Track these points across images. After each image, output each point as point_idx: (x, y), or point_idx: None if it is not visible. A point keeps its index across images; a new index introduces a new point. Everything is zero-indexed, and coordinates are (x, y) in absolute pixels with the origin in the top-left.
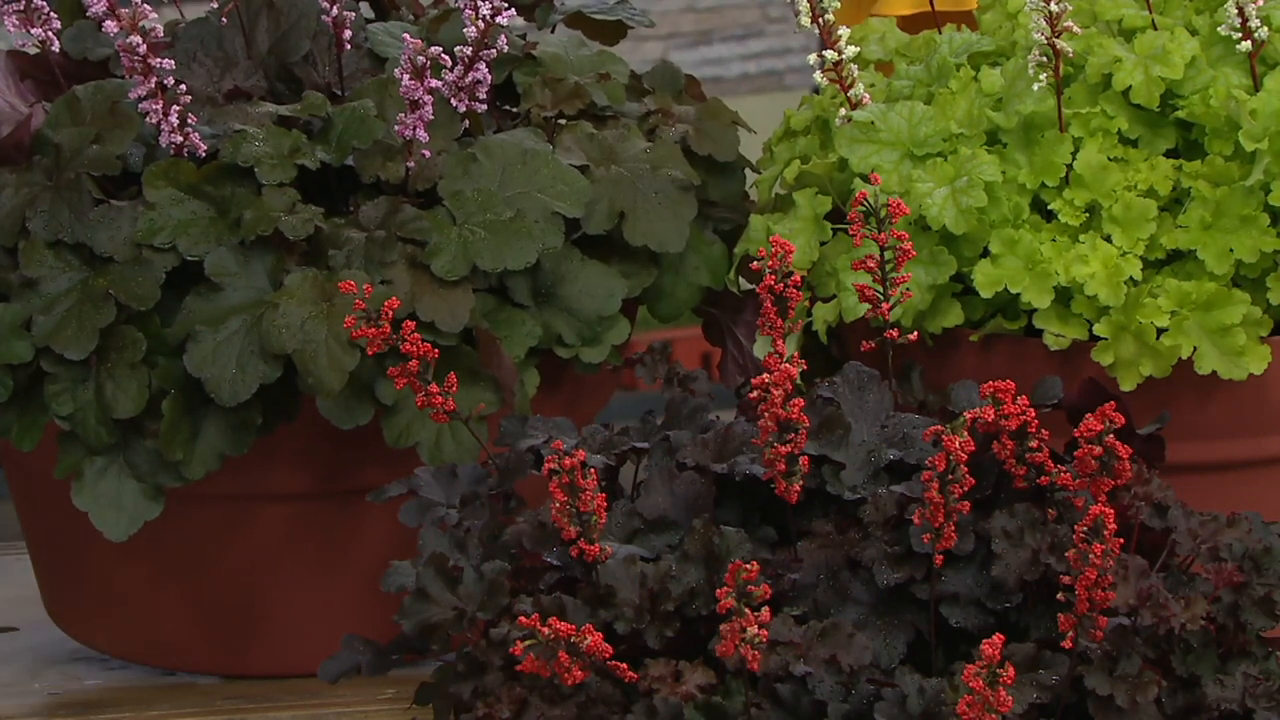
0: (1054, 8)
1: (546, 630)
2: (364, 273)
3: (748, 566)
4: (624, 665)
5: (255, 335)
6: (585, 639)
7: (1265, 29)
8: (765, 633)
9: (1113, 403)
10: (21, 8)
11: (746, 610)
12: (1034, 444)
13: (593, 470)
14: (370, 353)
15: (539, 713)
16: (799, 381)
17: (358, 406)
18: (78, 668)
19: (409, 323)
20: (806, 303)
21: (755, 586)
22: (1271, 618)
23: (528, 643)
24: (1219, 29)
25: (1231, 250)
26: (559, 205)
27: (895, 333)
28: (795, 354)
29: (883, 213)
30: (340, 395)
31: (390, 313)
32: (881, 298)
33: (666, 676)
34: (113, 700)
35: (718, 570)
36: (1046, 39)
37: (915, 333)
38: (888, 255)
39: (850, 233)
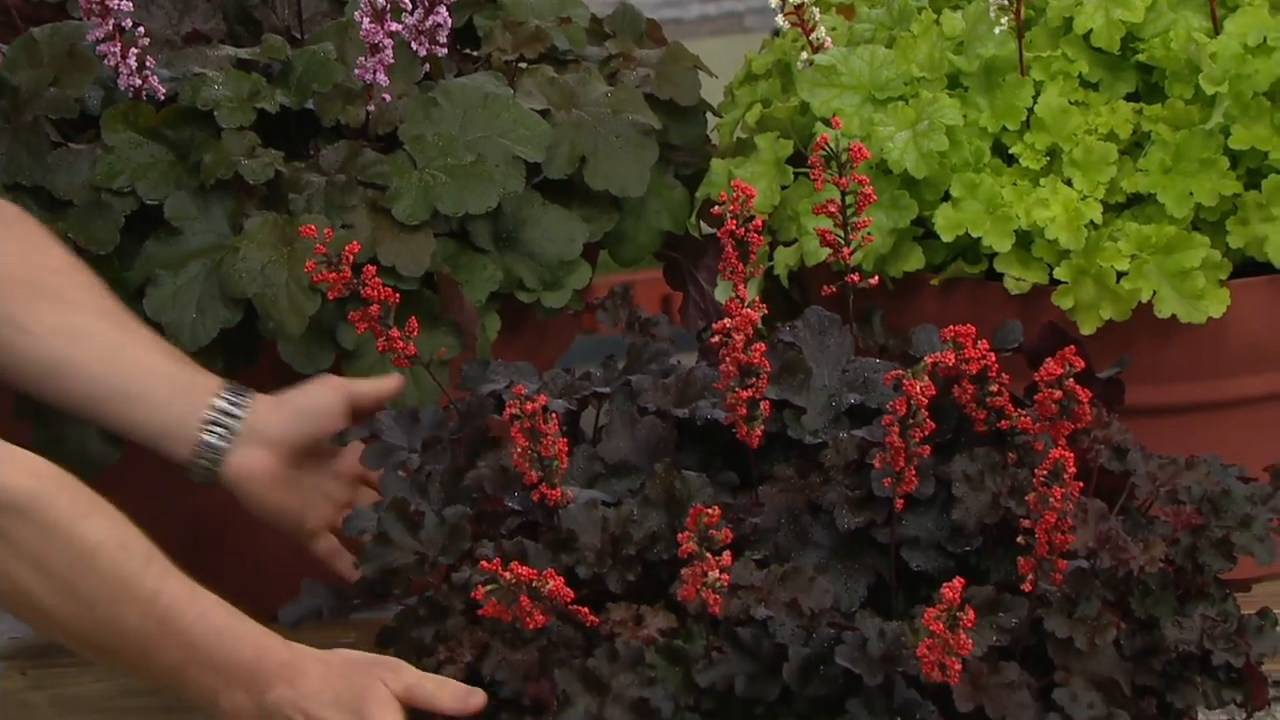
0: None
1: (508, 575)
2: (324, 217)
3: (709, 511)
4: (585, 610)
5: (216, 279)
6: (547, 583)
7: None
8: (726, 577)
9: (1073, 346)
10: None
11: (708, 555)
12: (994, 388)
13: (554, 415)
14: (331, 297)
15: (500, 657)
16: (760, 326)
17: (319, 351)
18: None
19: (370, 267)
20: (768, 247)
21: (717, 531)
22: (1229, 560)
23: (489, 587)
24: None
25: (1191, 194)
26: (520, 149)
27: (856, 277)
28: (756, 298)
29: (844, 157)
30: (301, 340)
31: (351, 257)
32: (843, 242)
33: (628, 620)
34: None
35: (679, 515)
36: None
37: (876, 277)
38: (849, 199)
39: (811, 177)
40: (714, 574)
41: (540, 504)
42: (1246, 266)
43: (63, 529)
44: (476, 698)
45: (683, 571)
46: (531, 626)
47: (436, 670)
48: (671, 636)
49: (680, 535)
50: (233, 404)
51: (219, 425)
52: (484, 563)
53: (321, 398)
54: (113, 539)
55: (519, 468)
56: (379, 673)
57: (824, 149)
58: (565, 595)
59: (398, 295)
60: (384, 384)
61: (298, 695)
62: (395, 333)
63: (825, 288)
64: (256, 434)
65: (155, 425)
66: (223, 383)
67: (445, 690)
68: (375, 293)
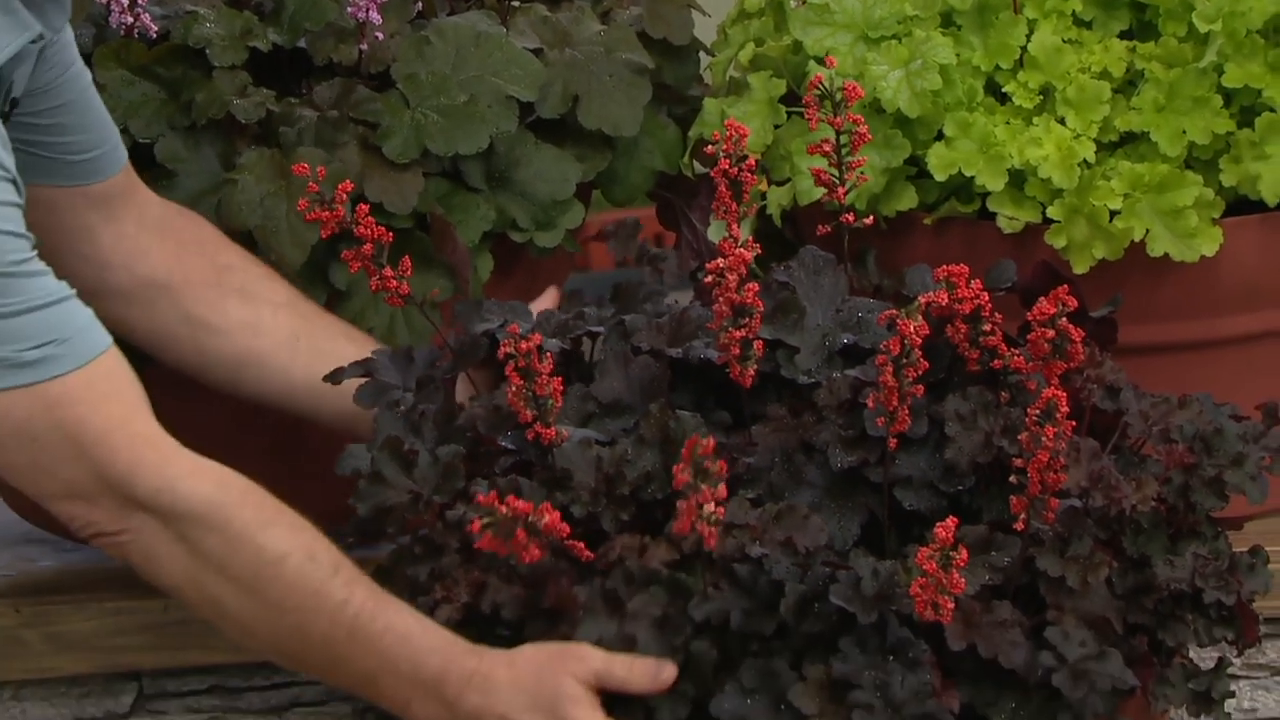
0: None
1: (504, 508)
2: (318, 150)
3: (703, 443)
4: (581, 544)
5: (215, 217)
6: (543, 517)
7: None
8: (722, 510)
9: (1065, 286)
10: None
11: (703, 487)
12: (987, 327)
13: (549, 354)
14: (324, 235)
15: (497, 593)
16: (754, 266)
17: (312, 289)
18: (31, 550)
19: (363, 205)
20: (761, 186)
21: (711, 464)
22: (1221, 498)
23: (485, 520)
24: None
25: (1184, 132)
26: (513, 89)
27: (850, 216)
28: (750, 238)
29: (838, 96)
30: (296, 277)
31: (345, 195)
32: (836, 181)
33: (634, 548)
34: (66, 582)
35: (673, 454)
36: None
37: (870, 216)
38: (843, 139)
39: (805, 116)
40: (709, 507)
41: (534, 443)
42: (1239, 205)
43: (248, 538)
44: (667, 671)
45: (678, 504)
46: (527, 560)
47: (432, 610)
48: (673, 568)
49: (675, 467)
50: None
51: None
52: (480, 497)
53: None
54: (299, 549)
55: (514, 407)
56: (568, 666)
57: (818, 88)
58: (561, 530)
59: (391, 234)
60: None
61: (491, 703)
62: (389, 272)
63: (819, 227)
64: None
65: (347, 413)
66: None
67: (636, 671)
68: (369, 232)
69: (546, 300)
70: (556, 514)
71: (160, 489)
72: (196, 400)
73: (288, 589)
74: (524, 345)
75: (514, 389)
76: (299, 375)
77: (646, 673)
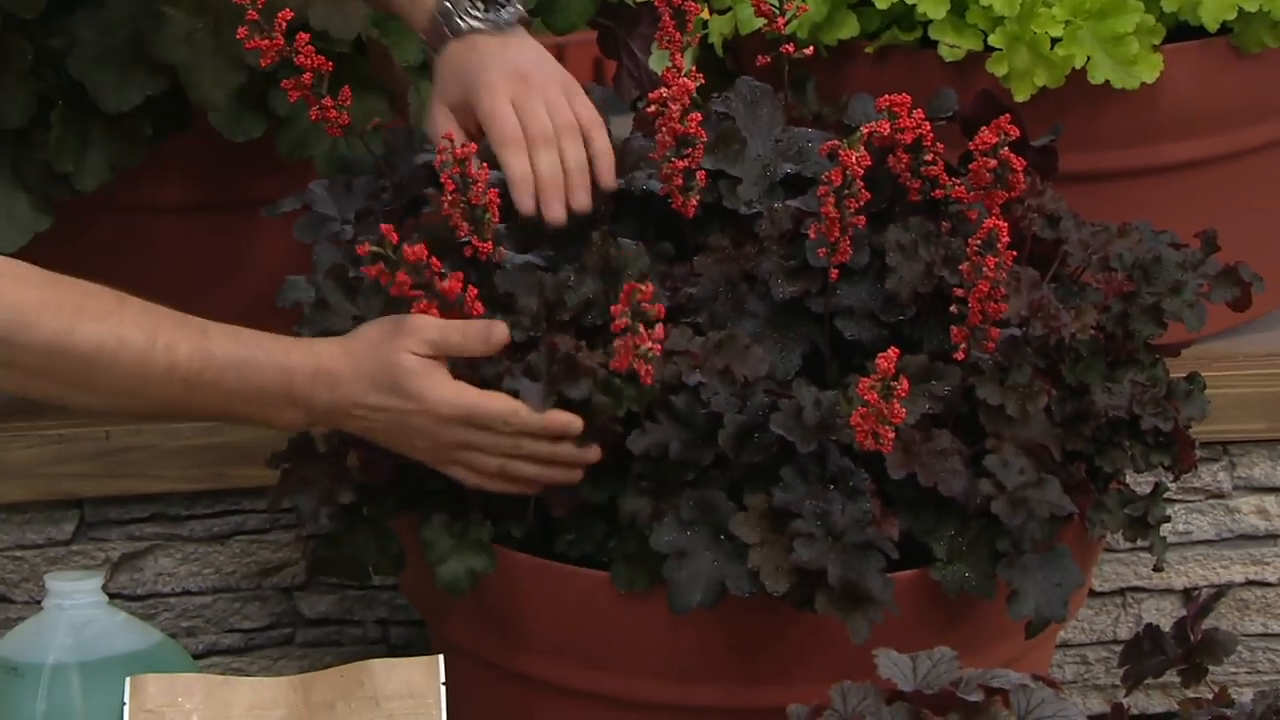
0: None
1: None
2: None
3: (642, 287)
4: (476, 297)
5: (141, 45)
6: (445, 279)
7: None
8: (659, 348)
9: (1007, 114)
10: None
11: (641, 327)
12: (929, 157)
13: (484, 165)
14: (263, 64)
15: None
16: (695, 96)
17: (250, 118)
18: None
19: (303, 34)
20: (704, 15)
21: (650, 306)
22: (1159, 325)
23: (375, 249)
24: None
25: None
26: None
27: (791, 46)
28: (693, 68)
29: None
30: (232, 107)
31: (284, 24)
32: (777, 10)
33: (570, 346)
34: (6, 410)
35: (615, 282)
36: None
37: (811, 46)
38: None
39: None
40: (647, 345)
41: (475, 266)
42: (1180, 31)
43: (57, 345)
44: (498, 332)
45: (616, 343)
46: (395, 292)
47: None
48: (610, 374)
49: (613, 309)
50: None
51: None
52: (382, 226)
53: None
54: (110, 337)
55: (449, 217)
56: (402, 343)
57: None
58: (454, 290)
59: (331, 64)
60: None
61: (340, 395)
62: (329, 101)
63: (760, 57)
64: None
65: None
66: None
67: (470, 335)
68: (308, 61)
69: None
70: (457, 283)
71: None
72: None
73: (114, 377)
74: (460, 152)
75: (449, 199)
76: None
77: (479, 335)
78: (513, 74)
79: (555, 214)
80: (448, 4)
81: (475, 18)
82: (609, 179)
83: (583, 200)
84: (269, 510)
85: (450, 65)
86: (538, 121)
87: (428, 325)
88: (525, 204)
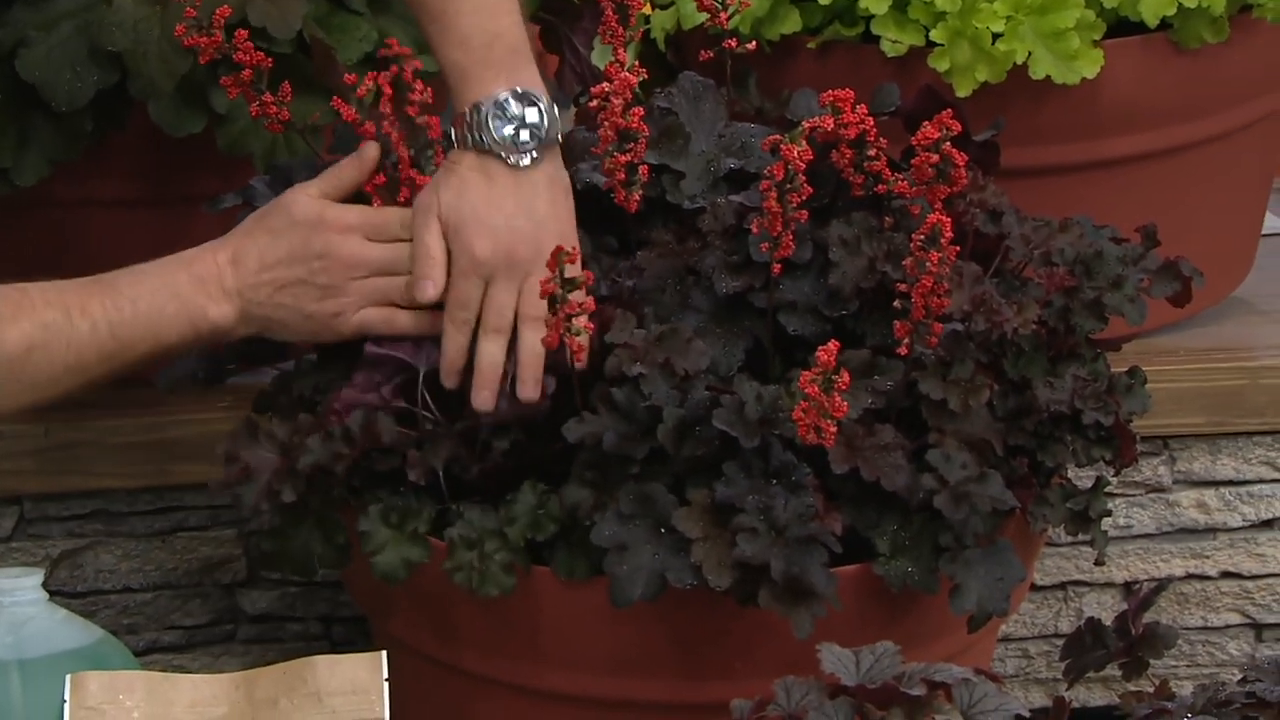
0: None
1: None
2: None
3: (567, 250)
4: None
5: (87, 38)
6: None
7: None
8: (592, 325)
9: (949, 110)
10: None
11: (569, 297)
12: (872, 152)
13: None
14: (203, 60)
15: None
16: (637, 91)
17: (190, 114)
18: None
19: (241, 31)
20: (646, 10)
21: (576, 271)
22: (1100, 320)
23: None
24: None
25: None
26: None
27: (733, 41)
28: (635, 63)
29: None
30: (172, 101)
31: (222, 21)
32: (719, 6)
33: None
34: None
35: None
36: None
37: (754, 42)
38: None
39: None
40: (578, 321)
41: None
42: (1120, 27)
43: None
44: (369, 149)
45: (545, 318)
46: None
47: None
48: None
49: (541, 279)
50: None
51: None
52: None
53: None
54: (34, 334)
55: (389, 139)
56: (287, 195)
57: None
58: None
59: (270, 60)
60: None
61: (247, 263)
62: (268, 97)
63: (702, 52)
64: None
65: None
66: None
67: (348, 166)
68: (247, 57)
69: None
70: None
71: None
72: None
73: (52, 364)
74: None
75: (386, 111)
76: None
77: (355, 163)
78: (503, 250)
79: (481, 401)
80: (485, 113)
81: (504, 145)
82: (579, 358)
83: (530, 392)
84: (211, 494)
85: (460, 185)
86: (497, 311)
87: (308, 184)
88: (446, 381)
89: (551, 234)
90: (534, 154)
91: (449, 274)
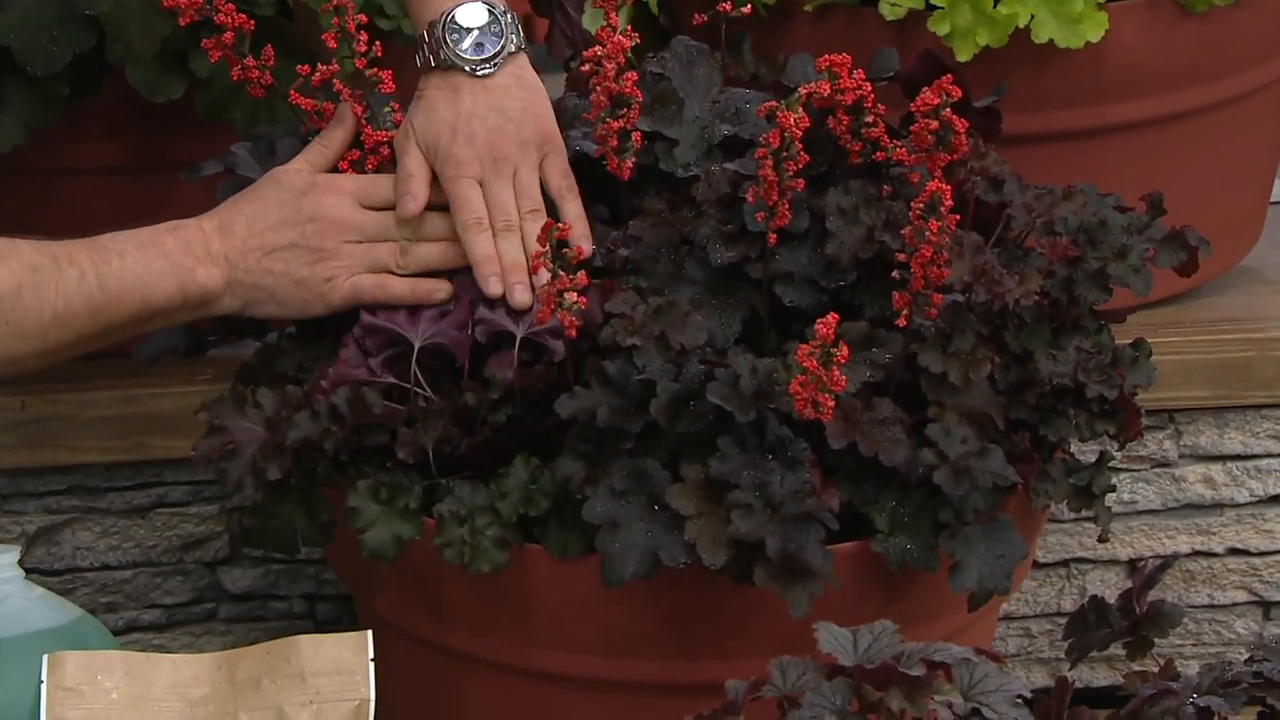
0: None
1: None
2: None
3: (559, 225)
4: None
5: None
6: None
7: None
8: (584, 300)
9: (949, 75)
10: None
11: (561, 273)
12: (870, 119)
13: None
14: (183, 23)
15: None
16: (630, 56)
17: (169, 78)
18: None
19: None
20: None
21: (569, 249)
22: (1105, 290)
23: None
24: None
25: None
26: None
27: (728, 5)
28: (628, 27)
29: None
30: (152, 65)
31: None
32: None
33: None
34: None
35: None
36: None
37: (749, 5)
38: None
39: None
40: (570, 296)
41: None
42: None
43: None
44: (347, 109)
45: (538, 291)
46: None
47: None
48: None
49: (533, 254)
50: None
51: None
52: None
53: None
54: (23, 275)
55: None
56: (273, 172)
57: None
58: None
59: (253, 22)
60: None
61: (236, 231)
62: (250, 61)
63: (696, 16)
64: None
65: None
66: None
67: (332, 132)
68: (229, 19)
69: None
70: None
71: None
72: None
73: (40, 310)
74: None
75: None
76: None
77: (334, 128)
78: (485, 149)
79: (519, 298)
80: (440, 30)
81: (462, 56)
82: (583, 246)
83: (521, 297)
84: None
85: (428, 106)
86: (501, 209)
87: (296, 159)
88: (492, 287)
89: (531, 129)
90: (496, 60)
91: (452, 217)
